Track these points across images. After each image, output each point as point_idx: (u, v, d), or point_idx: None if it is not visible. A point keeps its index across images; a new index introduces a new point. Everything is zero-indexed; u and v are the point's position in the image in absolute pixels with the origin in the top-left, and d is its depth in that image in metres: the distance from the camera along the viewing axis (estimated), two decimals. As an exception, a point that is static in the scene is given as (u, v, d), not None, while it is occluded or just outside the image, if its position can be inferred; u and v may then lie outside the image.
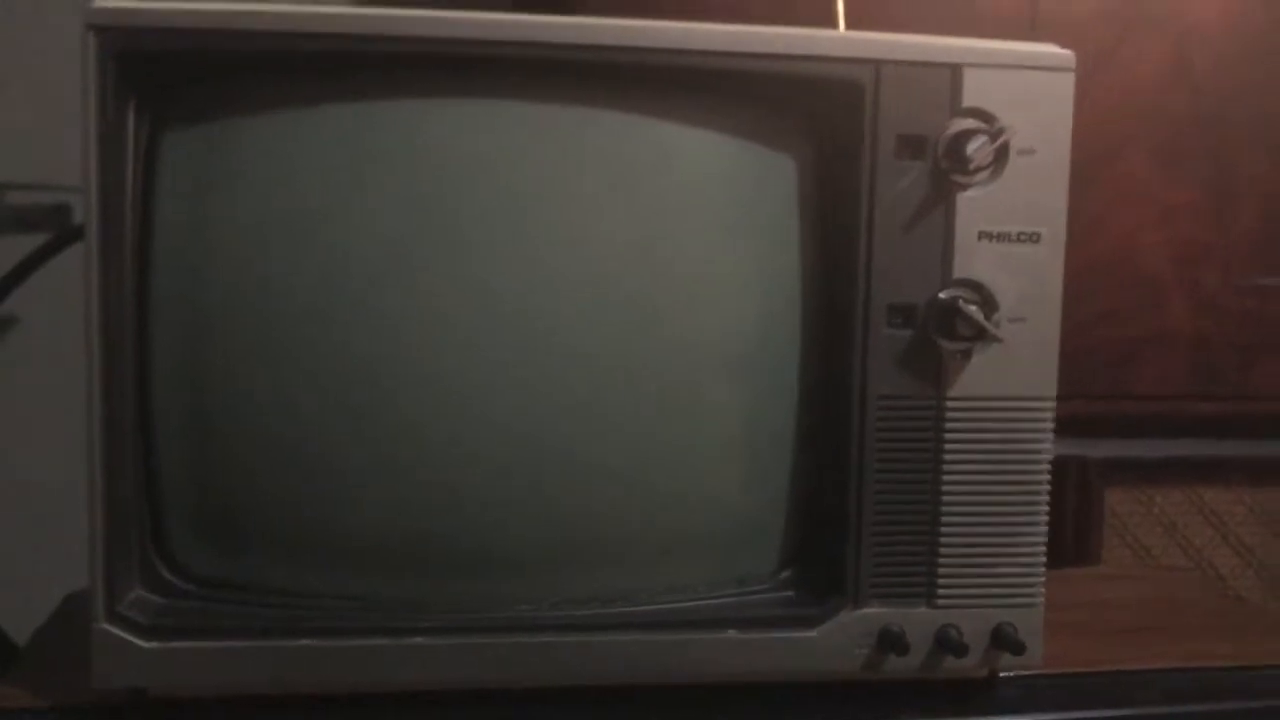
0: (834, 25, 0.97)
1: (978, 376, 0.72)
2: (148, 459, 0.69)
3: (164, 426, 0.69)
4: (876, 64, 0.70)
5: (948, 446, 0.72)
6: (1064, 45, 0.74)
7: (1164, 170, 1.44)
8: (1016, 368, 0.72)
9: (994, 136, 0.70)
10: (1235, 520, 1.56)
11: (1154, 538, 1.55)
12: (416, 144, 0.69)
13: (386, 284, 0.69)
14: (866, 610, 0.72)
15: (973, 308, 0.70)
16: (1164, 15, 1.42)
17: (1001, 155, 0.70)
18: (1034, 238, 0.72)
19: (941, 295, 0.71)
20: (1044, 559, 0.74)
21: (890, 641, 0.72)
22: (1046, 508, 0.74)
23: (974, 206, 0.71)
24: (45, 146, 1.44)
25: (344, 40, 0.67)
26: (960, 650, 0.72)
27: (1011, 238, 0.72)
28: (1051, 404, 0.73)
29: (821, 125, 0.71)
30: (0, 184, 1.46)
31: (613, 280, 0.71)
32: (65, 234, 0.84)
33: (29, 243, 0.97)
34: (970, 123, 0.70)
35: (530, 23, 0.68)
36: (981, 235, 0.71)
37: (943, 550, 0.72)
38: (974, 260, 0.71)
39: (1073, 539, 1.48)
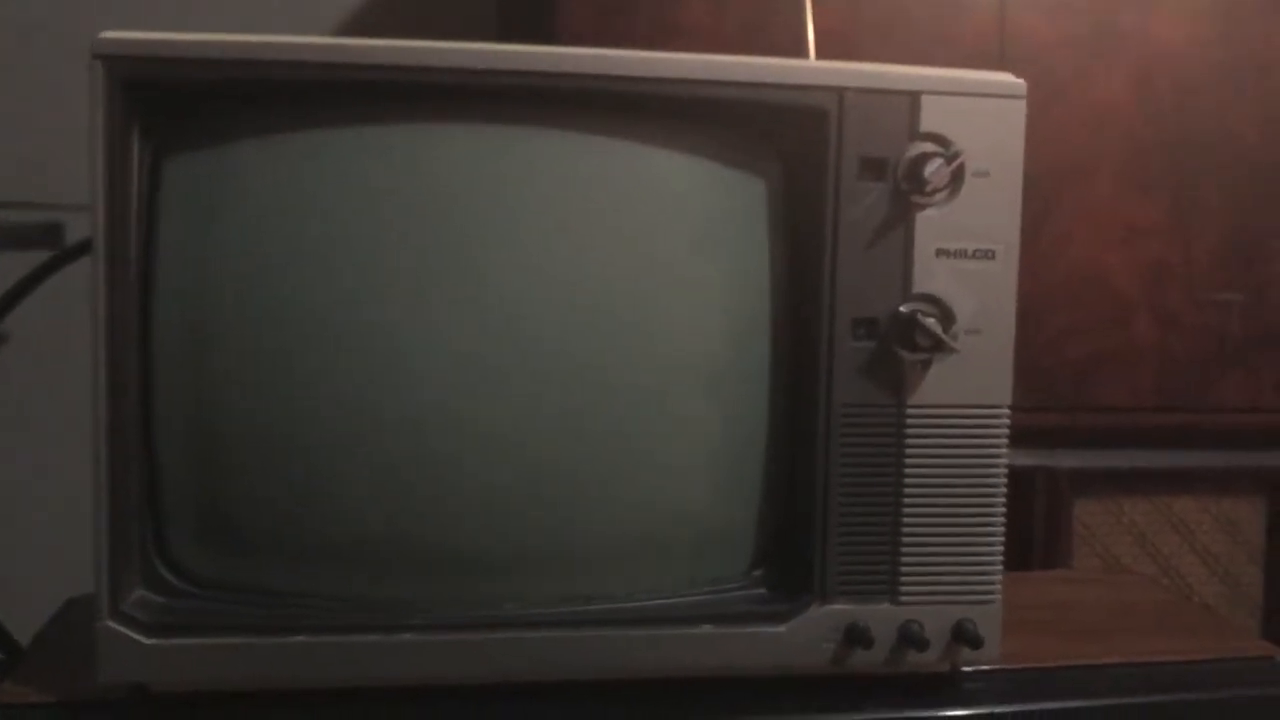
0: (805, 51, 1.01)
1: (936, 386, 0.76)
2: (149, 466, 0.72)
3: (164, 436, 0.72)
4: (840, 91, 0.74)
5: (909, 452, 0.75)
6: (1030, 72, 0.78)
7: (1128, 191, 1.48)
8: (973, 377, 0.76)
9: (950, 159, 0.74)
10: (1201, 529, 1.60)
11: (1123, 547, 1.58)
12: (408, 167, 0.72)
13: (380, 298, 0.72)
14: (833, 606, 0.76)
15: (931, 320, 0.74)
16: (1128, 41, 1.46)
17: (957, 177, 0.74)
18: (989, 254, 0.76)
19: (902, 309, 0.75)
20: (1002, 558, 0.78)
21: (856, 636, 0.75)
22: (1003, 509, 0.77)
23: (932, 225, 0.75)
24: (38, 166, 1.47)
25: (340, 70, 0.70)
26: (922, 644, 0.76)
27: (967, 254, 0.76)
28: (1006, 411, 0.77)
29: (789, 148, 0.75)
30: (-6, 203, 1.49)
31: (594, 297, 0.74)
32: (68, 251, 0.87)
33: (21, 259, 1.00)
34: (928, 146, 0.74)
35: (516, 53, 0.71)
36: (939, 252, 0.75)
37: (905, 550, 0.76)
38: (932, 276, 0.75)
39: (1042, 548, 1.51)
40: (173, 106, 0.71)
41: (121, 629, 0.70)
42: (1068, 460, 1.51)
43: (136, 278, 0.71)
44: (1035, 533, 1.50)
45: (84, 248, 0.80)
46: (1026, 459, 1.45)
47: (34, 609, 0.91)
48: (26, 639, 0.88)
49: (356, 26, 1.63)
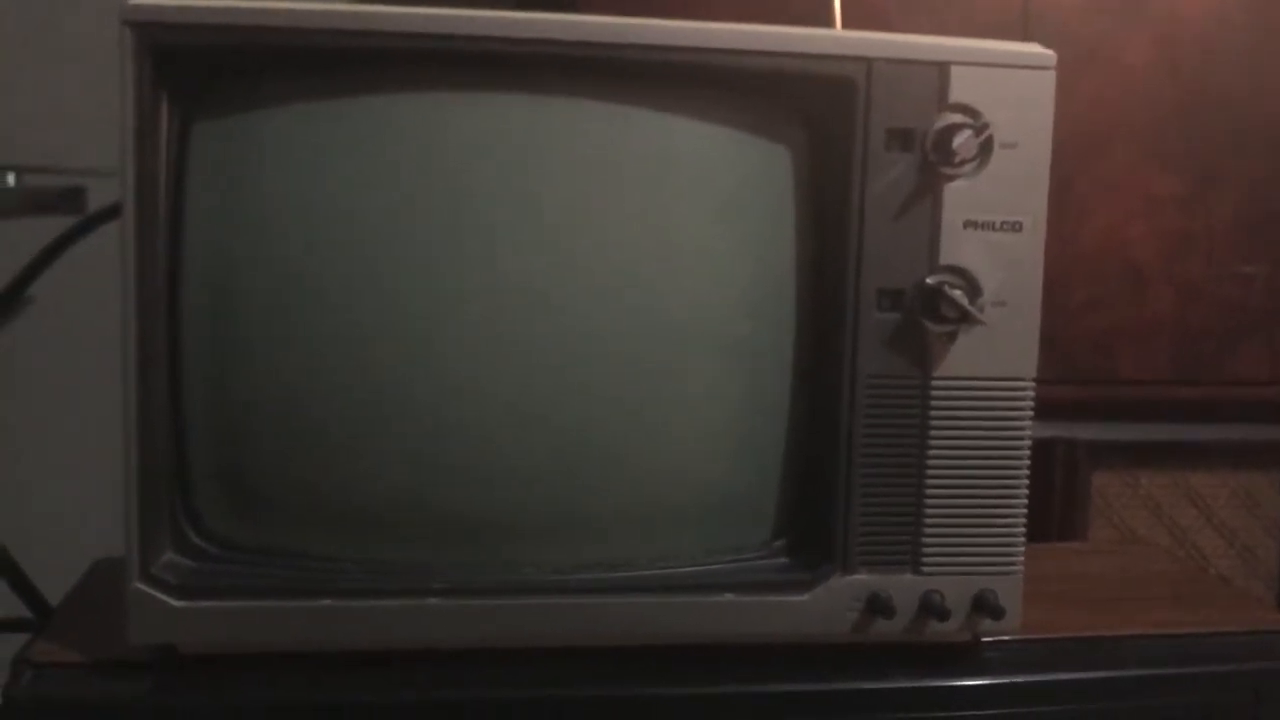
0: (831, 21, 1.01)
1: (962, 357, 0.75)
2: (177, 431, 0.73)
3: (192, 402, 0.73)
4: (868, 61, 0.73)
5: (933, 423, 0.75)
6: (1054, 40, 0.77)
7: (1148, 162, 1.47)
8: (998, 349, 0.76)
9: (979, 131, 0.73)
10: (1218, 503, 1.60)
11: (1140, 519, 1.59)
12: (431, 135, 0.72)
13: (399, 266, 0.72)
14: (855, 576, 0.76)
15: (957, 292, 0.74)
16: (1150, 11, 1.45)
17: (986, 148, 0.74)
18: (1016, 226, 0.76)
19: (928, 280, 0.75)
20: (1024, 529, 0.78)
21: (878, 606, 0.76)
22: (1026, 481, 0.77)
23: (959, 196, 0.75)
24: (59, 131, 1.47)
25: (363, 36, 0.70)
26: (943, 614, 0.76)
27: (995, 226, 0.75)
28: (1031, 384, 0.76)
29: (816, 118, 0.75)
30: (15, 166, 1.49)
31: (616, 266, 0.74)
32: (96, 215, 0.87)
33: (43, 225, 1.00)
34: (956, 118, 0.74)
35: (540, 21, 0.71)
36: (967, 224, 0.75)
37: (927, 520, 0.76)
38: (959, 247, 0.75)
39: (1059, 519, 1.52)
40: (201, 72, 0.70)
41: (151, 591, 0.71)
42: (1086, 432, 1.51)
43: (165, 243, 0.71)
44: (1052, 504, 1.50)
45: (111, 212, 0.80)
46: (1045, 430, 1.45)
47: (65, 571, 0.92)
48: (56, 599, 0.89)
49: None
